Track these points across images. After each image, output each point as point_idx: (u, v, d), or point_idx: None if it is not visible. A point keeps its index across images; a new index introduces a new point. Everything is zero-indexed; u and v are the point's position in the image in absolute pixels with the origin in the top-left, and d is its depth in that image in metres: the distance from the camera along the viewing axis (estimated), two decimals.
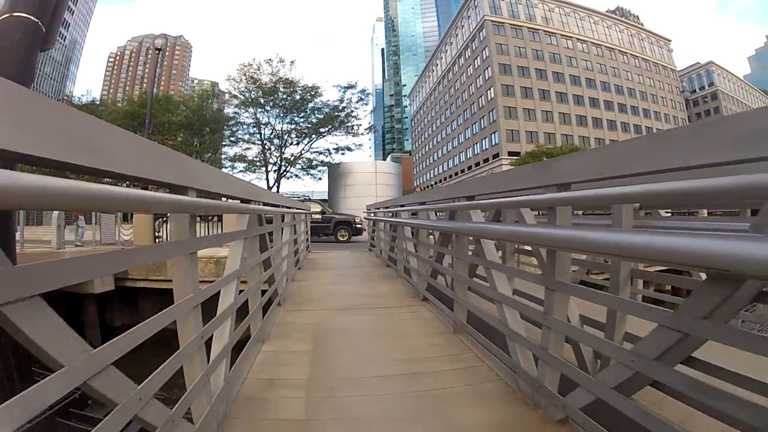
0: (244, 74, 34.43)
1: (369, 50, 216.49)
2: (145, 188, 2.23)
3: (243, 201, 3.48)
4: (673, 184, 1.53)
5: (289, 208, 6.63)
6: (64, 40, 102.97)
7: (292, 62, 35.27)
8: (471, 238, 3.95)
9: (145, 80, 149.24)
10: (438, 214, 6.26)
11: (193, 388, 1.97)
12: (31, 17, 5.69)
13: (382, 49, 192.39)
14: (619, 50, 78.82)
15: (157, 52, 16.96)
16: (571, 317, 3.39)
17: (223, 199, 3.04)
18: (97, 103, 41.41)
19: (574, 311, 3.45)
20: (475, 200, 3.79)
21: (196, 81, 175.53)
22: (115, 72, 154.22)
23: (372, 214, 12.25)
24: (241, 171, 34.27)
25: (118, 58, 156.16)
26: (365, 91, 36.44)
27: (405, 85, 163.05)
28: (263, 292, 4.21)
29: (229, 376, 2.65)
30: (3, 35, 5.58)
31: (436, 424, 2.46)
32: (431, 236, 6.15)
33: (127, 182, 2.54)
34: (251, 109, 34.86)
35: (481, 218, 3.89)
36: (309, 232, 12.59)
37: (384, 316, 4.98)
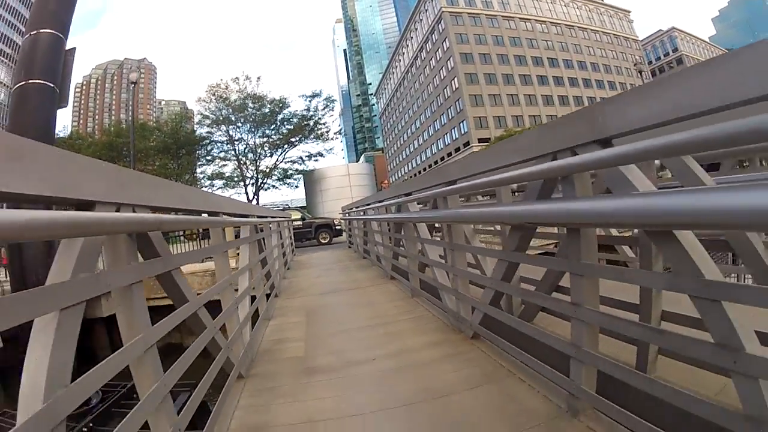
0: (213, 94, 36.15)
1: (331, 53, 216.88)
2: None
3: (243, 216, 4.77)
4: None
5: (274, 217, 7.93)
6: None
7: (258, 78, 37.55)
8: (413, 224, 5.33)
9: (113, 108, 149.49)
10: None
11: (233, 336, 3.26)
12: (47, 82, 6.88)
13: (345, 50, 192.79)
14: (579, 27, 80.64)
15: (132, 85, 18.01)
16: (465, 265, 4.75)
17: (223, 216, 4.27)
18: (74, 137, 41.93)
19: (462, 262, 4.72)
20: (412, 195, 5.16)
21: (163, 102, 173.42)
22: (83, 101, 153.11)
23: (347, 214, 13.64)
24: (220, 188, 35.90)
25: (84, 87, 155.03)
26: (330, 97, 38.41)
27: (371, 84, 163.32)
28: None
29: (253, 335, 3.99)
30: (23, 99, 6.74)
31: (394, 347, 3.74)
32: (388, 227, 7.52)
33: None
34: (223, 127, 36.44)
35: (417, 209, 5.30)
36: (292, 237, 13.81)
37: (358, 292, 6.39)
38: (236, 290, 3.95)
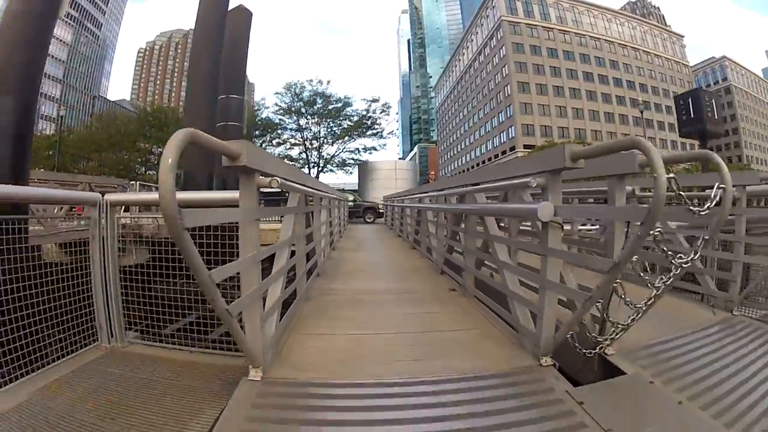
0: (289, 89, 43.25)
1: (395, 41, 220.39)
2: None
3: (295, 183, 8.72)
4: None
5: (327, 193, 10.65)
6: (97, 39, 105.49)
7: (328, 81, 45.71)
8: (418, 211, 9.29)
9: (176, 74, 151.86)
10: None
11: (318, 253, 7.27)
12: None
13: (408, 40, 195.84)
14: (632, 47, 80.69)
15: None
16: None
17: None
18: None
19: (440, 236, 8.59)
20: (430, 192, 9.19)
21: None
22: (145, 67, 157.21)
23: (388, 202, 17.93)
24: None
25: (147, 53, 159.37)
26: (386, 104, 45.23)
27: (431, 77, 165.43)
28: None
29: (328, 253, 8.16)
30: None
31: (404, 286, 5.71)
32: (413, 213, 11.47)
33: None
34: (294, 117, 43.60)
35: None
36: (346, 215, 17.98)
37: (389, 255, 9.46)
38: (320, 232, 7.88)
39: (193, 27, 13.89)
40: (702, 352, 3.06)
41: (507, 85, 73.43)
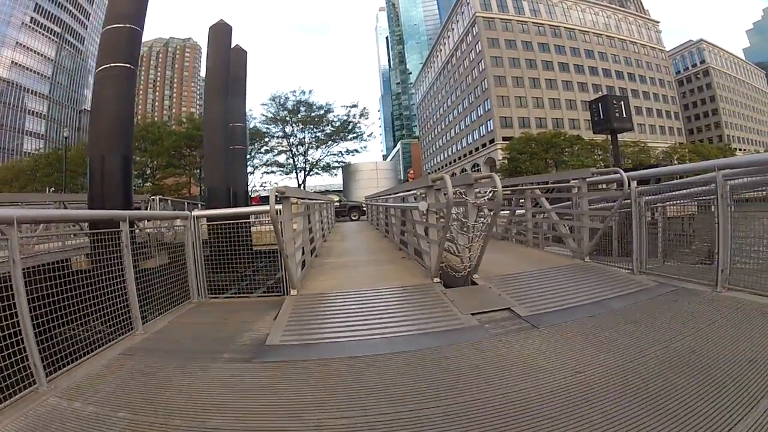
0: (273, 100, 47.35)
1: (374, 38, 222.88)
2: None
3: (320, 201, 11.61)
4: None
5: (316, 200, 14.76)
6: (80, 53, 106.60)
7: (310, 91, 50.28)
8: (385, 208, 12.07)
9: (158, 84, 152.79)
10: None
11: (315, 242, 10.14)
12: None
13: (387, 38, 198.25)
14: (606, 35, 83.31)
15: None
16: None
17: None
18: (156, 124, 51.33)
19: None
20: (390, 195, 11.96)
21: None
22: None
23: (369, 201, 20.73)
24: (279, 175, 46.62)
25: None
26: (365, 109, 50.24)
27: (411, 73, 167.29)
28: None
29: (321, 243, 10.94)
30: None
31: (372, 258, 10.22)
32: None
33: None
34: (280, 125, 47.26)
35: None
36: (333, 215, 20.83)
37: (366, 241, 12.93)
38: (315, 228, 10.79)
39: (204, 74, 17.33)
40: (534, 277, 5.67)
41: (484, 80, 75.97)
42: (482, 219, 5.36)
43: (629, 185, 5.59)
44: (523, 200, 9.30)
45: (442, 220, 5.28)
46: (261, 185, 48.30)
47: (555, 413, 2.28)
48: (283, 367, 3.27)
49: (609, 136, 29.81)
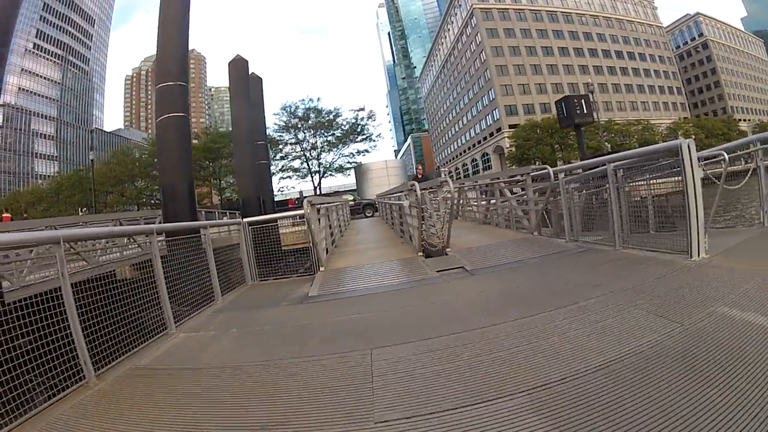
0: (285, 110, 50.94)
1: (376, 35, 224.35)
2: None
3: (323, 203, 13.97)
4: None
5: (332, 203, 17.12)
6: (86, 74, 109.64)
7: (318, 99, 53.73)
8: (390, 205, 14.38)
9: None
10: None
11: (335, 236, 12.50)
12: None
13: (388, 33, 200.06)
14: (603, 16, 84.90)
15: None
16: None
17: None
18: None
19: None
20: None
21: (213, 89, 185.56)
22: (134, 93, 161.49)
23: (380, 199, 23.07)
24: (295, 179, 51.20)
25: (134, 79, 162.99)
26: (371, 112, 53.84)
27: (415, 67, 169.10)
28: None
29: (338, 235, 13.32)
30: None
31: (380, 244, 12.74)
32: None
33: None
34: (292, 131, 50.69)
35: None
36: (348, 213, 23.21)
37: (376, 234, 15.35)
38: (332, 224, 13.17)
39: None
40: (492, 246, 7.97)
41: (486, 70, 78.04)
42: (446, 209, 7.63)
43: (555, 177, 7.80)
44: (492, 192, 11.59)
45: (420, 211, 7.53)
46: (279, 190, 50.65)
47: (467, 309, 4.47)
48: (321, 303, 5.58)
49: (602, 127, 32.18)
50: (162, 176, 14.14)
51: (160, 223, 12.61)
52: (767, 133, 7.20)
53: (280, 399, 2.79)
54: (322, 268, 7.62)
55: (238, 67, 20.22)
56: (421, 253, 7.72)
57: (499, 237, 9.02)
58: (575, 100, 25.30)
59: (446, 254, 7.55)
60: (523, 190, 10.09)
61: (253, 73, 22.32)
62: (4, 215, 23.66)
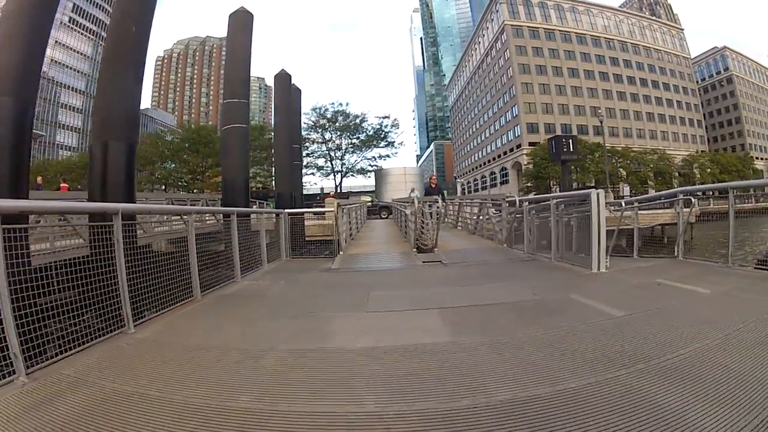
0: (314, 110, 54.27)
1: (408, 40, 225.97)
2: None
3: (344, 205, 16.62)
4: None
5: (353, 204, 19.77)
6: None
7: (347, 103, 57.50)
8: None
9: (194, 82, 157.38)
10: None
11: (353, 230, 15.15)
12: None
13: (421, 39, 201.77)
14: (631, 42, 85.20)
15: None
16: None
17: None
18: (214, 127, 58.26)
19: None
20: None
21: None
22: (164, 75, 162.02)
23: (393, 203, 25.76)
24: (318, 176, 55.58)
25: (165, 61, 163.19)
26: (395, 120, 57.27)
27: (444, 75, 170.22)
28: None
29: (355, 231, 16.01)
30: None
31: (388, 240, 15.35)
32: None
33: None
34: (319, 131, 54.18)
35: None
36: (365, 213, 25.88)
37: (386, 233, 17.91)
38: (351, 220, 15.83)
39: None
40: (470, 250, 10.57)
41: (512, 86, 79.22)
42: (435, 219, 10.27)
43: (520, 205, 10.35)
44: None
45: (417, 218, 10.15)
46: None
47: (434, 281, 7.09)
48: (340, 273, 8.27)
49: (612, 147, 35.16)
50: (225, 171, 16.97)
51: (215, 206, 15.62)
52: (689, 187, 9.58)
53: (319, 309, 5.31)
54: (341, 252, 10.29)
55: (282, 80, 23.23)
56: (415, 249, 10.31)
57: (478, 244, 11.69)
58: (563, 140, 29.08)
59: (434, 252, 10.13)
60: (499, 211, 12.62)
61: (294, 84, 25.16)
62: (62, 185, 26.55)
